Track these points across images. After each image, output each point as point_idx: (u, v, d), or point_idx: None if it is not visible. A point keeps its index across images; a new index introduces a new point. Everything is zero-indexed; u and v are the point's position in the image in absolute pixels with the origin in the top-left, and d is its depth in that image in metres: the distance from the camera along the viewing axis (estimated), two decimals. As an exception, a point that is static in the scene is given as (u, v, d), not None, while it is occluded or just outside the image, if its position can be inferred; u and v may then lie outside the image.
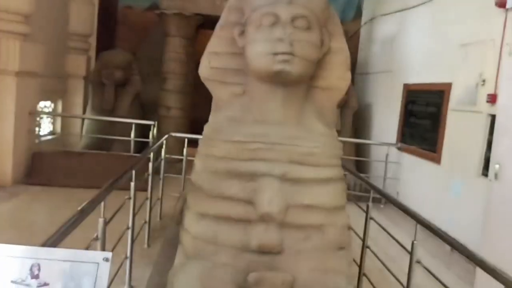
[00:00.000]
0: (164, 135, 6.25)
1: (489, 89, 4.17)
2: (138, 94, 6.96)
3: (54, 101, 7.41)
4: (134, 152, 6.22)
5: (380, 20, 7.36)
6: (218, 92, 2.33)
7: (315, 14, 2.12)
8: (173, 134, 4.86)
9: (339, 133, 6.20)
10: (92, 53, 8.26)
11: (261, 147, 2.11)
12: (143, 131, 6.61)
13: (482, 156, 4.27)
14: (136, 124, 6.38)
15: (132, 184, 2.98)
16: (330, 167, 2.19)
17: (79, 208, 1.92)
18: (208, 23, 6.95)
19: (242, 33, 2.19)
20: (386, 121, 6.70)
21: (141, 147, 6.48)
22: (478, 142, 4.30)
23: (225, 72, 2.29)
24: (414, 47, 6.02)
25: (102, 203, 2.18)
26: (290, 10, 2.05)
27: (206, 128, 2.34)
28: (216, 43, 2.32)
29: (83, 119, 7.37)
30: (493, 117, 4.11)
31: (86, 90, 8.04)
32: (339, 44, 2.31)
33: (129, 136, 6.38)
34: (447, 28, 5.18)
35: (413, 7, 6.01)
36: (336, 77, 2.31)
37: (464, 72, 4.63)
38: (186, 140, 4.86)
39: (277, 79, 2.08)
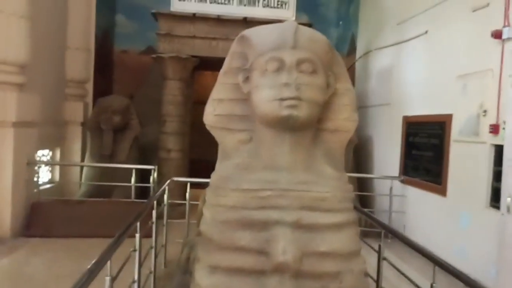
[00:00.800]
0: (164, 178, 6.21)
1: (491, 119, 4.15)
2: (137, 138, 6.93)
3: (52, 149, 7.36)
4: (135, 198, 6.13)
5: (375, 54, 7.44)
6: (224, 140, 2.28)
7: (320, 57, 2.10)
8: (175, 178, 4.79)
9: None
10: (89, 99, 8.28)
11: (271, 194, 2.05)
12: (143, 174, 6.54)
13: (489, 187, 4.21)
14: (136, 169, 6.34)
15: (137, 236, 2.89)
16: (342, 212, 2.12)
17: (87, 268, 1.84)
18: (203, 64, 7.03)
19: (247, 79, 2.16)
20: (387, 154, 6.66)
21: (142, 191, 6.40)
22: (484, 173, 4.25)
23: (231, 118, 2.25)
24: (412, 80, 6.05)
25: (109, 262, 2.09)
26: (295, 55, 2.03)
27: (214, 176, 2.28)
28: (220, 90, 2.29)
29: (82, 167, 7.31)
30: (497, 147, 4.09)
31: (84, 137, 8.01)
32: (345, 85, 2.29)
33: (129, 181, 6.31)
34: (444, 60, 5.22)
35: (409, 40, 6.08)
36: (344, 119, 2.27)
37: (464, 103, 4.62)
38: (188, 184, 4.78)
39: (285, 125, 2.04)
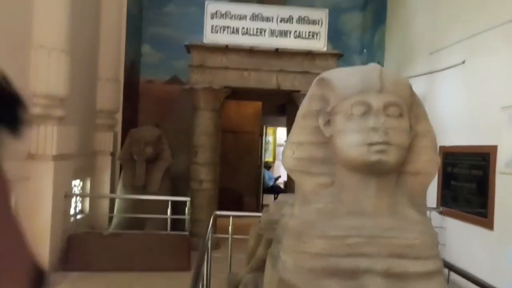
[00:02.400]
0: (197, 209, 6.18)
1: (542, 152, 4.09)
2: (169, 168, 6.92)
3: (82, 179, 7.38)
4: (170, 229, 6.09)
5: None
6: (304, 183, 2.24)
7: (404, 100, 2.08)
8: (218, 212, 4.74)
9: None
10: (118, 128, 8.34)
11: (359, 241, 2.00)
12: (174, 205, 6.52)
13: (542, 221, 4.12)
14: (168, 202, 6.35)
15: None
16: (432, 259, 2.06)
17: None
18: (232, 93, 7.05)
19: (328, 122, 2.14)
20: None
21: (174, 223, 6.36)
22: (535, 206, 4.17)
23: (311, 162, 2.22)
24: (448, 109, 6.01)
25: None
26: (382, 98, 2.01)
27: (293, 221, 2.24)
28: (300, 133, 2.27)
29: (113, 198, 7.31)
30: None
31: (114, 167, 8.04)
32: (425, 127, 2.26)
33: (162, 212, 6.28)
34: (485, 90, 5.18)
35: (443, 69, 6.06)
36: (425, 161, 2.23)
37: (510, 135, 4.56)
38: (231, 218, 4.73)
39: (374, 170, 2.00)
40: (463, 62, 5.62)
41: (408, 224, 2.07)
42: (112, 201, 7.98)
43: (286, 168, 2.29)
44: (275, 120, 11.90)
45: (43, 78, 5.25)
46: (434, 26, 6.57)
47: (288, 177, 10.34)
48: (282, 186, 12.66)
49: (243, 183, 10.02)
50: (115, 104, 8.16)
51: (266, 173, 11.66)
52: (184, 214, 6.19)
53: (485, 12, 5.29)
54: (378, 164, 1.97)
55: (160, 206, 6.54)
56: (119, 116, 8.35)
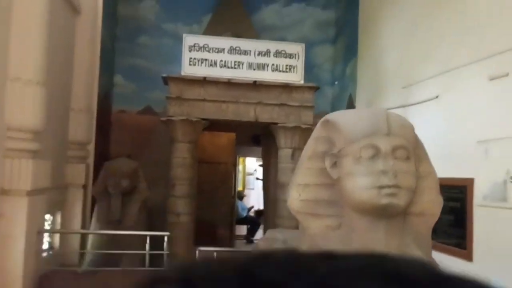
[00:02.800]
0: (174, 243, 6.04)
1: (519, 185, 4.24)
2: (145, 202, 6.77)
3: (53, 213, 7.10)
4: (144, 265, 5.91)
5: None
6: (311, 225, 2.23)
7: (410, 143, 2.13)
8: (202, 248, 4.63)
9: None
10: (91, 160, 8.13)
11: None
12: (151, 240, 6.36)
13: (521, 252, 4.24)
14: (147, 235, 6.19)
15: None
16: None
17: None
18: (212, 125, 7.03)
19: (335, 164, 2.16)
20: (398, 214, 6.67)
21: (152, 258, 6.18)
22: (514, 238, 4.29)
23: (318, 204, 2.22)
24: (423, 141, 6.16)
25: None
26: (390, 142, 2.04)
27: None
28: (306, 175, 2.27)
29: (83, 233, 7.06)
30: (527, 212, 4.15)
31: (86, 200, 7.80)
32: (427, 168, 2.31)
33: (138, 247, 6.11)
34: (459, 124, 5.36)
35: (417, 103, 6.26)
36: (428, 201, 2.27)
37: (487, 168, 4.72)
38: (215, 254, 4.65)
39: (384, 213, 2.02)
40: (437, 96, 5.82)
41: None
42: (83, 237, 7.72)
43: (292, 210, 2.28)
44: (247, 151, 11.93)
45: (18, 110, 5.09)
46: (406, 61, 6.80)
47: (263, 206, 10.32)
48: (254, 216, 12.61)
49: (217, 214, 9.89)
50: (88, 135, 7.96)
51: (239, 204, 11.58)
52: (161, 248, 6.04)
53: (459, 49, 5.52)
54: (389, 207, 1.99)
55: (137, 241, 6.38)
56: (91, 148, 8.15)
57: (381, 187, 1.98)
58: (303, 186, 2.25)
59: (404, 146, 2.07)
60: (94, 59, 8.23)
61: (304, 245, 2.28)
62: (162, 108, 9.54)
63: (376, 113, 2.16)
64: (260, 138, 11.42)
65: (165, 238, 5.87)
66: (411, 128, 2.21)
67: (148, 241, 5.74)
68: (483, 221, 4.84)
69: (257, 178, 17.94)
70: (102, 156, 8.57)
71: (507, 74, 4.53)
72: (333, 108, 9.18)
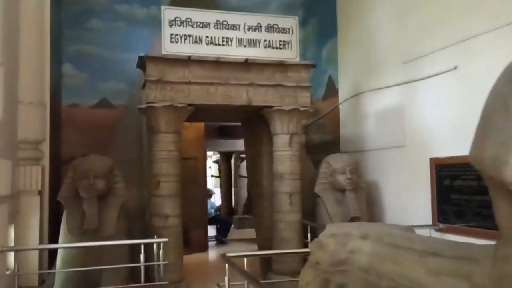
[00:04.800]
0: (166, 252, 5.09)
1: None
2: (123, 206, 5.73)
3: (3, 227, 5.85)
4: (131, 280, 4.93)
5: (370, 94, 7.07)
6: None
7: None
8: (230, 254, 3.73)
9: (360, 220, 5.48)
10: (46, 161, 6.88)
11: None
12: (131, 249, 5.41)
13: None
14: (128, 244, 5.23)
15: None
16: None
17: None
18: (194, 114, 6.13)
19: None
20: (407, 201, 6.16)
21: (135, 271, 5.20)
22: None
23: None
24: (434, 119, 5.69)
25: None
26: None
27: None
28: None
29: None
30: None
31: (42, 209, 6.59)
32: None
33: (120, 260, 5.13)
34: (477, 96, 4.88)
35: (428, 77, 5.75)
36: None
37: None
38: (245, 260, 3.77)
39: None
40: (455, 67, 5.33)
41: None
42: (42, 254, 6.49)
43: (508, 182, 1.54)
44: (215, 144, 11.06)
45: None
46: (405, 34, 6.30)
47: (251, 199, 9.39)
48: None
49: (189, 215, 8.93)
50: (41, 132, 6.72)
51: (208, 202, 10.67)
52: (145, 258, 5.08)
53: (473, 16, 5.08)
54: None
55: (118, 252, 5.35)
56: (45, 147, 6.90)
57: None
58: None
59: None
60: (44, 43, 6.99)
61: None
62: (120, 101, 8.44)
63: None
64: (227, 129, 10.62)
65: (160, 246, 4.91)
66: None
67: (142, 251, 4.75)
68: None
69: (212, 176, 17.06)
70: (54, 158, 7.33)
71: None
72: (312, 92, 8.55)
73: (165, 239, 4.89)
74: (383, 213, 6.71)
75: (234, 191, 15.16)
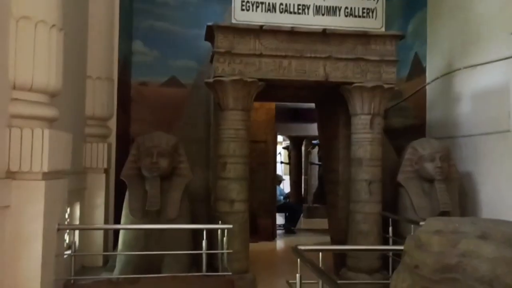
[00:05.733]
0: (228, 238, 4.63)
1: None
2: (188, 187, 5.36)
3: (70, 205, 5.70)
4: (199, 267, 4.51)
5: (465, 72, 6.17)
6: None
7: None
8: (302, 247, 3.19)
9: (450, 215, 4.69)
10: (113, 139, 6.71)
11: None
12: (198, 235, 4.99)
13: None
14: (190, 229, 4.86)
15: None
16: None
17: None
18: (265, 91, 5.59)
19: None
20: (508, 198, 5.27)
21: (197, 257, 4.80)
22: None
23: None
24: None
25: None
26: None
27: None
28: None
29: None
30: None
31: (108, 188, 6.41)
32: None
33: (184, 245, 4.79)
34: None
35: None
36: None
37: None
38: (320, 255, 3.21)
39: None
40: None
41: None
42: (107, 233, 6.33)
43: None
44: (286, 128, 10.52)
45: (27, 60, 3.64)
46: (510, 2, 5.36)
47: (323, 187, 8.82)
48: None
49: (257, 201, 8.50)
50: (109, 109, 6.54)
51: (277, 189, 10.18)
52: (209, 245, 4.66)
53: None
54: None
55: (181, 236, 5.01)
56: (112, 124, 6.72)
57: None
58: None
59: None
60: (114, 17, 6.78)
61: None
62: (190, 79, 8.09)
63: None
64: (299, 112, 10.02)
65: (225, 232, 4.46)
66: None
67: (205, 237, 4.32)
68: None
69: (281, 162, 16.56)
70: (121, 136, 7.15)
71: None
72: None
73: (230, 226, 4.43)
74: (477, 208, 5.84)
75: (304, 178, 14.54)
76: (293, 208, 10.23)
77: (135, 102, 8.11)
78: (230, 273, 4.30)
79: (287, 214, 10.05)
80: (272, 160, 8.83)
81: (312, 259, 3.08)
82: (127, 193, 5.26)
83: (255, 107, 8.73)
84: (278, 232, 9.82)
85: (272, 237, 8.67)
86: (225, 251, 4.42)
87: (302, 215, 11.22)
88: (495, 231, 2.14)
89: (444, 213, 5.32)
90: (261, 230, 8.44)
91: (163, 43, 8.27)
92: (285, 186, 15.20)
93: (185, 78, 8.21)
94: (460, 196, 5.76)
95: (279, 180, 10.93)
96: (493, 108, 5.61)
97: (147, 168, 5.06)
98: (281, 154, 16.82)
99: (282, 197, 10.39)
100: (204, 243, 4.28)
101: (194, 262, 5.04)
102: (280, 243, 8.83)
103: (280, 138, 17.24)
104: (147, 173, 5.08)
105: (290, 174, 15.24)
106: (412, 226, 4.71)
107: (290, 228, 9.78)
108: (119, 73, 6.99)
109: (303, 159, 14.64)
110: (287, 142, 15.70)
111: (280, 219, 10.23)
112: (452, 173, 5.66)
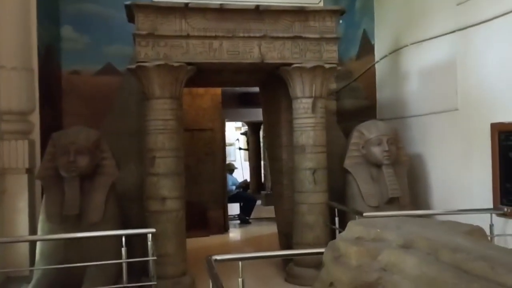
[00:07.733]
0: (160, 239, 4.16)
1: None
2: (114, 186, 4.82)
3: (-14, 211, 5.10)
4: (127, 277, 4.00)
5: (412, 49, 5.82)
6: None
7: None
8: (217, 257, 2.72)
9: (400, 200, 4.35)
10: (36, 135, 6.06)
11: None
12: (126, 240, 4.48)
13: None
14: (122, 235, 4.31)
15: None
16: None
17: None
18: (198, 76, 5.10)
19: None
20: (460, 178, 4.97)
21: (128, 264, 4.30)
22: None
23: None
24: (497, 74, 4.44)
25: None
26: None
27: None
28: None
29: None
30: None
31: (33, 190, 5.79)
32: None
33: (109, 253, 4.24)
34: None
35: (489, 20, 4.47)
36: None
37: None
38: (240, 264, 2.75)
39: None
40: (529, 4, 4.04)
41: None
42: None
43: None
44: (234, 114, 10.01)
45: None
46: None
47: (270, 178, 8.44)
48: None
49: (207, 193, 8.03)
50: (29, 102, 5.88)
51: (229, 178, 9.72)
52: (140, 249, 4.18)
53: None
54: None
55: (106, 244, 4.47)
56: (35, 119, 6.06)
57: None
58: None
59: None
60: (28, 0, 6.07)
61: None
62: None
63: None
64: (248, 97, 9.53)
65: (149, 237, 3.97)
66: None
67: (123, 244, 3.83)
68: None
69: (240, 148, 16.11)
70: (47, 132, 6.49)
71: None
72: (343, 53, 7.31)
73: (152, 230, 3.93)
74: (428, 192, 5.54)
75: (263, 164, 14.18)
76: (246, 197, 9.80)
77: (66, 94, 7.44)
78: (153, 283, 3.82)
79: (241, 204, 9.63)
80: (220, 148, 8.35)
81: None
82: (44, 196, 4.69)
83: (199, 94, 8.21)
84: (234, 223, 9.41)
85: (224, 229, 8.24)
86: (150, 258, 3.92)
87: (260, 203, 10.83)
88: (420, 239, 1.74)
89: (392, 200, 5.00)
90: (211, 223, 7.99)
91: (95, 28, 7.60)
92: (245, 173, 14.79)
93: (122, 65, 7.52)
94: (410, 180, 5.44)
95: (231, 169, 10.47)
96: (441, 85, 5.28)
97: (64, 167, 4.49)
98: (240, 141, 16.37)
99: (234, 187, 9.94)
100: (123, 250, 3.78)
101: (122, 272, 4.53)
102: (233, 235, 8.42)
103: (238, 124, 16.78)
104: (64, 173, 4.52)
105: (249, 161, 14.84)
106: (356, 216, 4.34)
107: (244, 218, 9.37)
108: (42, 62, 6.31)
109: (261, 145, 14.26)
110: (246, 128, 15.26)
111: (235, 210, 9.81)
112: (401, 156, 5.33)
